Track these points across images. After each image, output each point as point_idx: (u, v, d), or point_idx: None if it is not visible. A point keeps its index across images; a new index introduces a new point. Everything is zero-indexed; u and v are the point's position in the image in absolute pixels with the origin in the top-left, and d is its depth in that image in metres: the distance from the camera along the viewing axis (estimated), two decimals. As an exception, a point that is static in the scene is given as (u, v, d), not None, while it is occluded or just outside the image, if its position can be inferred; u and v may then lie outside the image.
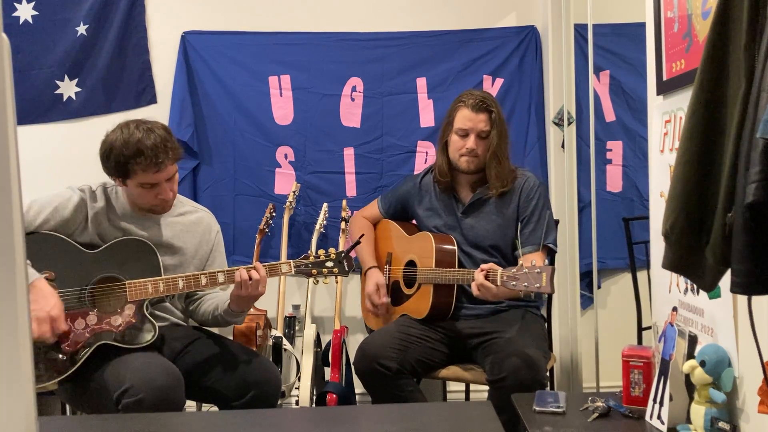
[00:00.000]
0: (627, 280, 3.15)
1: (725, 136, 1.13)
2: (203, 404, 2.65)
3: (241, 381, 2.14)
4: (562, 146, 3.21)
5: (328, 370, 2.93)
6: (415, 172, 2.95)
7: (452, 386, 3.12)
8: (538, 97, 3.33)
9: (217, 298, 2.27)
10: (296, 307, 3.33)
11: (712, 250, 1.14)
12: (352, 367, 2.48)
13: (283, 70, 3.34)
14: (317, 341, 2.98)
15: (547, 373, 2.28)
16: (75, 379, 2.06)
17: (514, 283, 2.08)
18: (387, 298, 2.57)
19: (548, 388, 2.44)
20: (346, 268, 2.22)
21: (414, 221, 2.72)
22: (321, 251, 2.23)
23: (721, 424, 1.55)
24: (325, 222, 3.24)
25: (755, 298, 1.12)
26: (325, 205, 3.27)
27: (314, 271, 2.20)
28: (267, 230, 3.22)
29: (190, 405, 2.38)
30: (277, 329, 3.09)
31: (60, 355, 2.05)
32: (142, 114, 2.94)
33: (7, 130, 0.71)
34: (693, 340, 1.73)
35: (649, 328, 2.45)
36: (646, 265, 2.53)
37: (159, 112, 3.16)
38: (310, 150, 3.34)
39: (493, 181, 2.48)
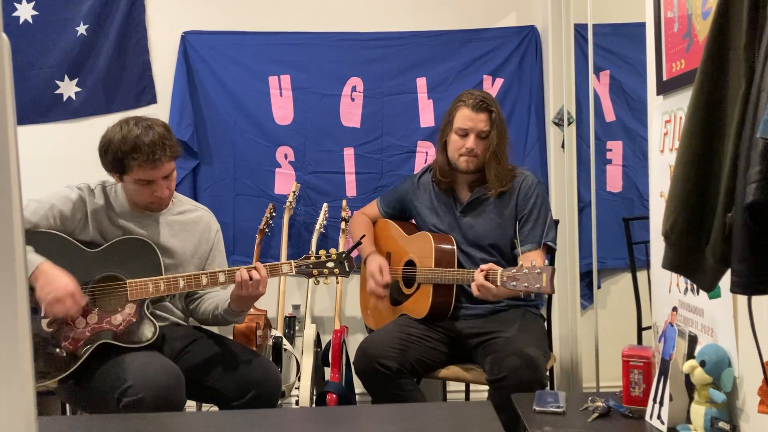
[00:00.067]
0: (627, 280, 3.15)
1: (725, 136, 1.13)
2: (203, 404, 2.65)
3: (241, 381, 2.14)
4: (562, 146, 3.21)
5: (328, 370, 2.93)
6: (415, 172, 2.95)
7: (452, 386, 3.12)
8: (538, 97, 3.33)
9: (217, 298, 2.27)
10: (296, 307, 3.33)
11: (712, 250, 1.14)
12: (352, 367, 2.48)
13: (283, 70, 3.34)
14: (317, 341, 2.99)
15: (547, 373, 2.28)
16: (75, 377, 2.06)
17: (514, 283, 2.08)
18: (390, 277, 2.53)
19: (548, 388, 2.44)
20: (347, 269, 2.22)
21: (413, 221, 2.72)
22: (322, 251, 2.23)
23: (721, 424, 1.55)
24: (325, 222, 3.24)
25: (755, 298, 1.12)
26: (325, 205, 3.27)
27: (315, 272, 2.20)
28: (267, 230, 3.22)
29: (190, 405, 2.38)
30: (277, 329, 3.09)
31: (60, 354, 2.05)
32: (142, 114, 2.93)
33: (7, 130, 0.71)
34: (693, 340, 1.73)
35: (649, 328, 2.45)
36: (646, 265, 2.53)
37: (159, 112, 3.15)
38: (310, 150, 3.35)
39: (492, 181, 2.48)
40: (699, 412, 1.59)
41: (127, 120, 2.15)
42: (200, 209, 2.40)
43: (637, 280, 2.86)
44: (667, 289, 1.90)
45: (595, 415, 1.77)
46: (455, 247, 2.49)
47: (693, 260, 1.22)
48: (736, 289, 1.06)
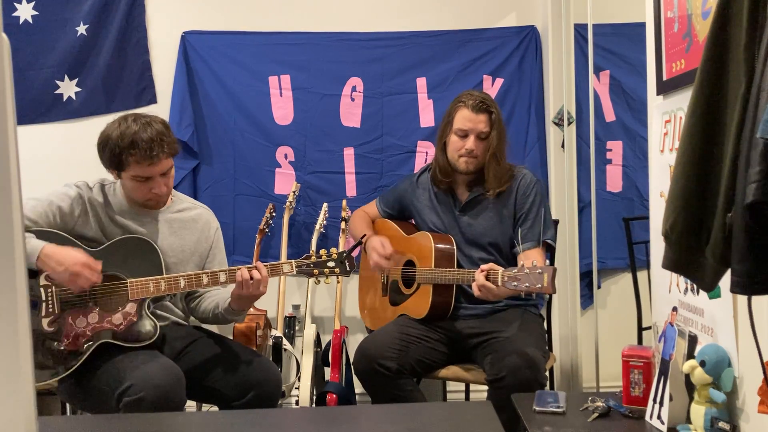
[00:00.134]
0: (627, 280, 3.15)
1: (725, 136, 1.13)
2: (203, 404, 2.65)
3: (241, 381, 2.14)
4: (562, 146, 3.21)
5: (328, 370, 2.93)
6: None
7: (452, 386, 3.12)
8: (538, 97, 3.33)
9: (217, 296, 2.27)
10: (296, 307, 3.33)
11: (712, 250, 1.14)
12: (352, 367, 2.48)
13: (283, 70, 3.34)
14: (317, 341, 2.99)
15: (546, 373, 2.28)
16: (76, 377, 2.06)
17: (516, 283, 2.07)
18: (392, 250, 2.50)
19: (548, 388, 2.44)
20: (348, 268, 2.22)
21: (412, 221, 2.72)
22: (323, 251, 2.23)
23: (721, 424, 1.55)
24: (325, 222, 3.24)
25: (755, 298, 1.12)
26: (325, 205, 3.27)
27: (316, 271, 2.20)
28: (267, 230, 3.22)
29: (190, 405, 2.38)
30: (277, 329, 3.09)
31: (61, 353, 2.05)
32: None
33: (7, 130, 0.71)
34: (693, 340, 1.73)
35: (649, 328, 2.45)
36: (646, 265, 2.53)
37: (159, 112, 3.12)
38: (310, 150, 3.35)
39: (491, 181, 2.48)
40: (699, 412, 1.59)
41: (126, 117, 2.15)
42: (199, 207, 2.40)
43: (637, 280, 2.86)
44: (667, 289, 1.90)
45: (595, 415, 1.77)
46: (455, 247, 2.49)
47: (693, 260, 1.22)
48: (736, 289, 1.06)
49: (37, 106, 3.26)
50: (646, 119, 2.12)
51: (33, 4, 3.25)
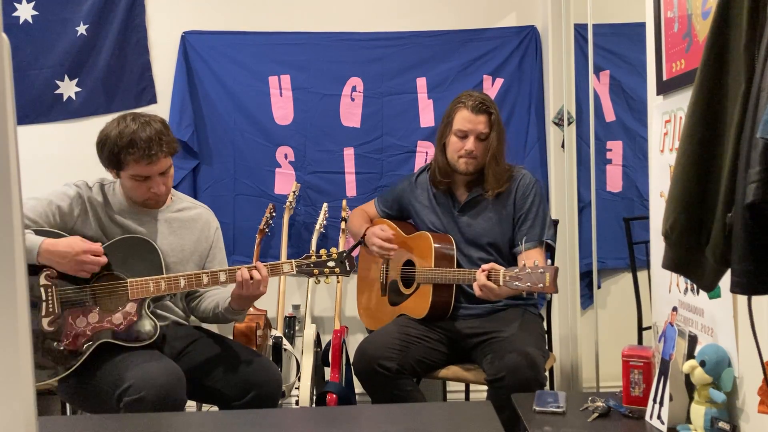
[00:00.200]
0: (627, 280, 3.15)
1: (725, 136, 1.13)
2: (203, 404, 2.65)
3: (241, 381, 2.14)
4: (562, 146, 3.21)
5: (328, 370, 2.93)
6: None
7: (452, 386, 3.12)
8: (538, 97, 3.33)
9: (217, 296, 2.27)
10: (296, 307, 3.33)
11: (712, 250, 1.14)
12: (352, 367, 2.48)
13: (283, 70, 3.34)
14: (317, 341, 2.99)
15: (546, 373, 2.28)
16: (76, 377, 2.06)
17: (518, 283, 2.07)
18: (392, 232, 2.52)
19: (548, 388, 2.44)
20: (348, 268, 2.22)
21: (410, 221, 2.72)
22: (323, 251, 2.23)
23: (721, 424, 1.55)
24: (325, 222, 3.24)
25: (755, 298, 1.12)
26: (325, 205, 3.27)
27: (316, 271, 2.20)
28: (267, 230, 3.22)
29: (191, 405, 2.38)
30: (277, 329, 3.09)
31: (62, 352, 2.05)
32: (142, 114, 2.94)
33: (7, 130, 0.71)
34: (693, 340, 1.73)
35: (649, 328, 2.45)
36: (646, 265, 2.53)
37: (159, 112, 3.11)
38: (310, 150, 3.35)
39: (490, 182, 2.48)
40: (699, 412, 1.59)
41: (125, 116, 2.15)
42: (199, 207, 2.40)
43: (637, 280, 2.86)
44: (667, 289, 1.90)
45: (595, 415, 1.77)
46: (454, 247, 2.49)
47: (693, 260, 1.22)
48: (736, 289, 1.06)
49: (37, 106, 3.26)
50: (646, 119, 2.12)
51: (33, 4, 3.25)
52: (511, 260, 2.48)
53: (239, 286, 2.10)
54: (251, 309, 2.99)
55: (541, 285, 2.04)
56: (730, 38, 1.14)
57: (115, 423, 1.76)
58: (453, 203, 2.57)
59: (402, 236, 2.63)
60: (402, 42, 3.35)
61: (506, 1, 3.38)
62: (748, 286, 1.05)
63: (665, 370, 1.67)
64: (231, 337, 2.59)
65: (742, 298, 1.30)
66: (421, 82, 3.35)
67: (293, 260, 2.20)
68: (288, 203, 3.22)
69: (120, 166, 2.13)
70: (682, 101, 1.79)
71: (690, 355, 1.71)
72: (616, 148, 3.36)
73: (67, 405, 2.54)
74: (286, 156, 3.34)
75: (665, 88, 1.92)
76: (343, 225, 3.22)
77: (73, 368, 2.04)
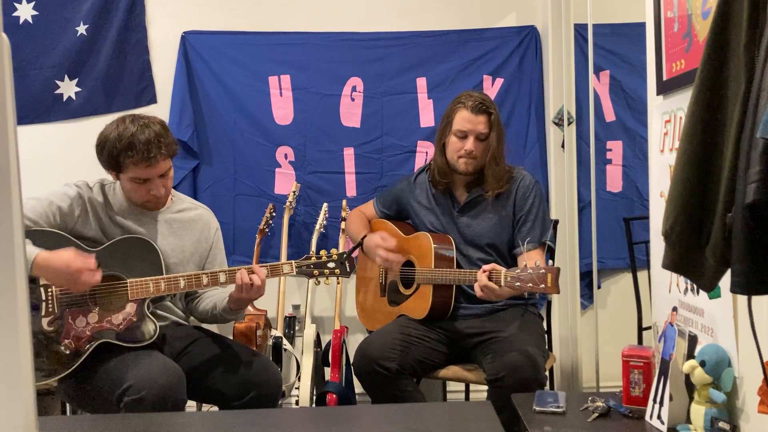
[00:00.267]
0: (627, 280, 3.15)
1: (725, 136, 1.13)
2: (203, 404, 2.65)
3: (241, 381, 2.14)
4: (562, 146, 3.21)
5: (328, 370, 2.93)
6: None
7: (452, 386, 3.12)
8: (538, 97, 3.33)
9: (215, 297, 2.27)
10: (296, 307, 3.33)
11: (712, 250, 1.14)
12: (352, 368, 2.48)
13: (283, 70, 3.34)
14: (317, 341, 2.99)
15: (546, 372, 2.28)
16: (76, 377, 2.06)
17: (519, 284, 2.07)
18: (394, 240, 2.49)
19: (548, 387, 2.44)
20: (348, 269, 2.22)
21: (409, 221, 2.72)
22: (323, 252, 2.23)
23: (721, 424, 1.55)
24: (325, 222, 3.24)
25: (755, 298, 1.12)
26: (325, 205, 3.27)
27: (316, 272, 2.21)
28: (267, 230, 3.22)
29: (191, 405, 2.38)
30: (277, 329, 3.09)
31: (61, 353, 2.05)
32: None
33: (7, 130, 0.71)
34: (693, 340, 1.73)
35: (649, 328, 2.45)
36: (646, 265, 2.53)
37: (159, 112, 3.14)
38: (310, 150, 3.35)
39: (490, 182, 2.47)
40: (699, 412, 1.59)
41: (124, 118, 2.15)
42: (199, 207, 2.40)
43: (637, 280, 2.86)
44: (667, 289, 1.90)
45: (595, 415, 1.77)
46: (454, 247, 2.49)
47: (693, 260, 1.22)
48: (736, 289, 1.06)
49: (37, 106, 3.26)
50: (646, 119, 2.12)
51: (33, 4, 3.25)
52: (510, 261, 2.48)
53: (238, 289, 2.10)
54: (251, 309, 3.00)
55: (543, 285, 2.04)
56: (730, 38, 1.14)
57: (115, 423, 1.76)
58: (452, 204, 2.57)
59: (401, 236, 2.63)
60: (402, 42, 3.35)
61: (506, 1, 3.38)
62: (748, 286, 1.05)
63: (665, 370, 1.67)
64: (231, 337, 2.59)
65: (742, 298, 1.30)
66: (421, 82, 3.35)
67: (293, 261, 2.20)
68: (288, 203, 3.22)
69: (119, 169, 2.13)
70: (682, 101, 1.79)
71: (690, 355, 1.71)
72: (616, 148, 3.36)
73: (67, 405, 2.54)
74: (286, 156, 3.34)
75: (665, 88, 1.92)
76: (343, 225, 3.22)
77: (73, 368, 2.04)
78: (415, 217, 2.65)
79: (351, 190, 3.36)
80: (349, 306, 3.35)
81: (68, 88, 3.28)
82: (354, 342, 2.84)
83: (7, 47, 0.72)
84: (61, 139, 3.28)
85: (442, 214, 2.57)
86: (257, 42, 3.32)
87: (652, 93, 2.03)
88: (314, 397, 2.84)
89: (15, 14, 3.24)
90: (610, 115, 3.35)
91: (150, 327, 2.11)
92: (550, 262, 2.59)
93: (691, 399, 1.65)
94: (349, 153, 3.35)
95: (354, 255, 2.27)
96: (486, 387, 2.27)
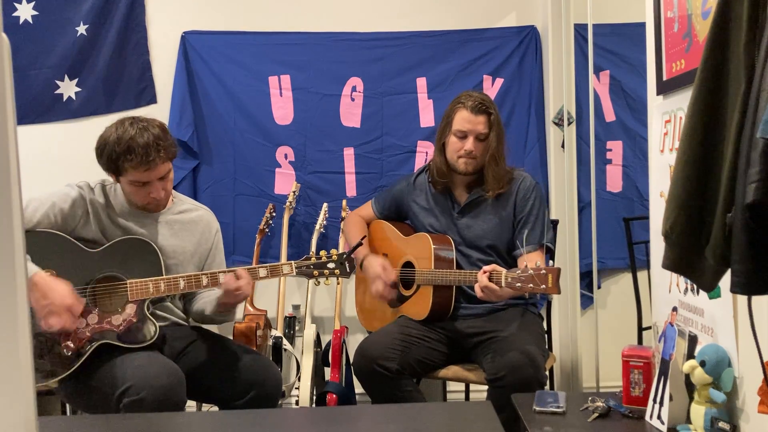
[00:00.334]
0: (627, 280, 3.15)
1: (725, 136, 1.13)
2: (203, 404, 2.65)
3: (241, 381, 2.14)
4: (562, 146, 3.21)
5: (328, 370, 2.93)
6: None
7: (452, 386, 3.12)
8: (538, 97, 3.33)
9: (206, 299, 2.29)
10: (296, 307, 3.33)
11: (712, 250, 1.14)
12: (352, 368, 2.47)
13: (283, 70, 3.34)
14: (317, 341, 2.99)
15: (546, 372, 2.28)
16: (76, 377, 2.06)
17: (519, 284, 2.07)
18: (395, 275, 2.50)
19: (548, 387, 2.44)
20: (348, 270, 2.22)
21: (408, 222, 2.72)
22: (323, 252, 2.23)
23: (721, 424, 1.55)
24: (325, 222, 3.24)
25: (755, 298, 1.12)
26: (325, 205, 3.27)
27: (316, 272, 2.21)
28: (267, 230, 3.22)
29: (191, 405, 2.38)
30: (277, 329, 3.09)
31: (61, 354, 2.05)
32: (142, 114, 2.94)
33: (7, 130, 0.71)
34: (693, 340, 1.73)
35: (649, 328, 2.45)
36: (646, 265, 2.53)
37: (159, 112, 3.16)
38: (310, 150, 3.35)
39: (490, 183, 2.47)
40: (699, 412, 1.59)
41: (124, 120, 2.14)
42: (200, 209, 2.40)
43: (637, 280, 2.86)
44: (667, 289, 1.90)
45: (595, 415, 1.77)
46: (454, 248, 2.48)
47: (693, 260, 1.22)
48: (736, 289, 1.06)
49: (37, 106, 3.26)
50: (646, 119, 2.12)
51: (33, 4, 3.25)
52: (510, 262, 2.48)
53: (225, 295, 2.12)
54: (251, 309, 3.00)
55: (544, 286, 2.04)
56: (730, 38, 1.14)
57: (115, 423, 1.76)
58: (452, 204, 2.56)
59: (400, 237, 2.63)
60: (402, 42, 3.35)
61: (506, 1, 3.38)
62: (748, 286, 1.05)
63: (665, 370, 1.67)
64: (231, 337, 2.59)
65: (742, 298, 1.30)
66: (421, 82, 3.35)
67: (293, 262, 2.20)
68: (288, 203, 3.22)
69: (119, 172, 2.13)
70: (682, 101, 1.79)
71: (690, 355, 1.71)
72: (616, 148, 3.36)
73: (67, 405, 2.54)
74: (286, 156, 3.34)
75: (665, 88, 1.92)
76: (342, 225, 3.22)
77: (73, 369, 2.04)
78: (414, 219, 2.64)
79: (351, 190, 3.36)
80: (349, 306, 3.35)
81: (68, 88, 3.28)
82: (354, 342, 2.84)
83: (7, 47, 0.72)
84: (61, 139, 3.28)
85: (442, 215, 2.56)
86: (257, 42, 3.32)
87: (652, 93, 2.03)
88: (314, 397, 2.84)
89: (15, 14, 3.24)
90: (610, 115, 3.35)
91: (150, 328, 2.11)
92: (551, 263, 2.59)
93: (691, 399, 1.65)
94: (349, 153, 3.35)
95: (353, 256, 2.27)
96: (486, 387, 2.27)
